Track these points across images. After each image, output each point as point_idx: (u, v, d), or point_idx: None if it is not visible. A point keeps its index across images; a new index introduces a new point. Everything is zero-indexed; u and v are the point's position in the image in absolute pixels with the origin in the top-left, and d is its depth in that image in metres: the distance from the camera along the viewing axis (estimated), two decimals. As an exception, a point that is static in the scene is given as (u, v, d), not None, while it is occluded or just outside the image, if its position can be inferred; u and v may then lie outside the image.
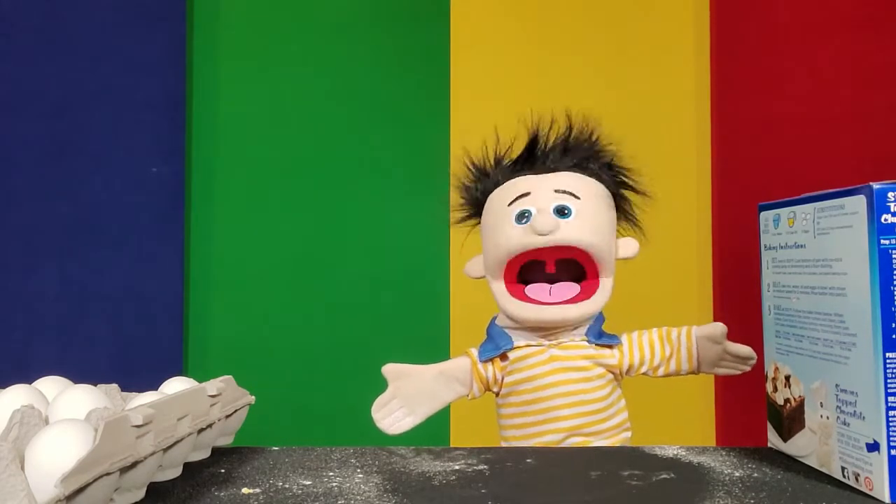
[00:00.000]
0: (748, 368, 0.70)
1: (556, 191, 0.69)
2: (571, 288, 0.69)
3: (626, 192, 0.74)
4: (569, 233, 0.67)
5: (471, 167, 0.76)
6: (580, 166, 0.72)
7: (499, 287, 0.71)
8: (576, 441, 0.68)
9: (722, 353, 0.69)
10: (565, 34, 1.41)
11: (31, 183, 1.28)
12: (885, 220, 0.42)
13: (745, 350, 0.69)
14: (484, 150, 0.75)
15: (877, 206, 0.42)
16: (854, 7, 1.21)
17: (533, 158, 0.73)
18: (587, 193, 0.70)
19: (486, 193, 0.74)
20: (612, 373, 0.70)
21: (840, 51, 1.22)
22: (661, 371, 0.71)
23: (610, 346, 0.70)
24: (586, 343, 0.70)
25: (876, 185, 0.43)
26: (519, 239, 0.68)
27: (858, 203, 0.44)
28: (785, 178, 1.23)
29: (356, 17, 1.41)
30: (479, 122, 0.74)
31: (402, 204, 1.39)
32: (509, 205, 0.70)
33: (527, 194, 0.70)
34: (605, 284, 0.70)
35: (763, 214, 0.56)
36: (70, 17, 1.31)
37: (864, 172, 0.50)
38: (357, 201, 1.39)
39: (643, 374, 0.72)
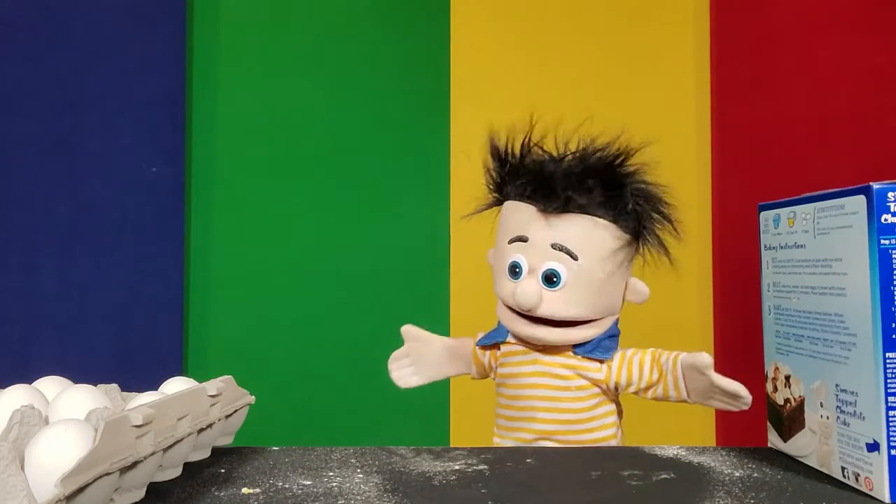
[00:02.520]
0: (744, 407, 0.62)
1: (553, 246, 0.66)
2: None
3: (653, 228, 0.69)
4: (550, 309, 0.66)
5: (497, 155, 0.71)
6: (590, 208, 0.66)
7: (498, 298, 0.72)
8: (547, 445, 0.67)
9: (710, 385, 0.63)
10: (565, 35, 1.41)
11: (31, 183, 1.28)
12: (885, 220, 0.42)
13: (732, 386, 0.62)
14: (511, 139, 0.70)
15: (877, 206, 0.42)
16: (854, 7, 1.21)
17: (538, 193, 0.67)
18: (588, 251, 0.66)
19: (504, 194, 0.71)
20: (599, 387, 0.68)
21: (840, 51, 1.22)
22: (649, 394, 0.68)
23: (600, 361, 0.68)
24: (572, 353, 0.68)
25: (876, 185, 0.43)
26: (509, 297, 0.68)
27: (858, 203, 0.44)
28: (785, 178, 1.23)
29: (356, 17, 1.41)
30: (479, 123, 0.73)
31: (402, 204, 1.39)
32: (509, 242, 0.69)
33: (525, 240, 0.67)
34: (601, 322, 0.68)
35: (763, 214, 0.56)
36: (70, 17, 1.31)
37: (864, 172, 0.50)
38: (357, 201, 1.39)
39: (632, 393, 0.69)
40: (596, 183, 0.66)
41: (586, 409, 0.68)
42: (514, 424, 0.69)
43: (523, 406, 0.69)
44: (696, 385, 0.65)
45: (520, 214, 0.69)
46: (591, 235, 0.66)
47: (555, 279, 0.66)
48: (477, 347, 0.74)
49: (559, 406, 0.67)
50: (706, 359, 0.63)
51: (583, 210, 0.66)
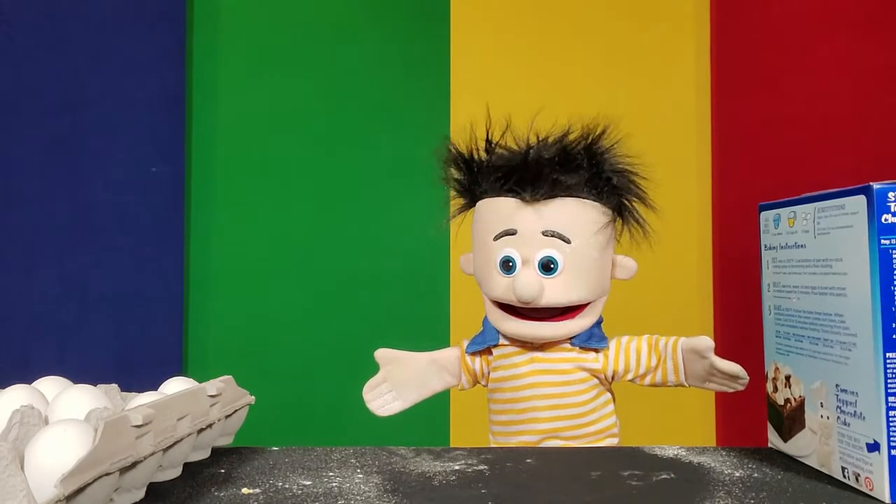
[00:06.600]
0: (740, 387, 0.64)
1: (544, 233, 0.65)
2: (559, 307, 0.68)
3: (631, 202, 0.69)
4: (552, 297, 0.65)
5: (457, 159, 0.72)
6: (576, 189, 0.66)
7: (486, 299, 0.71)
8: (553, 444, 0.67)
9: (709, 367, 0.64)
10: (565, 35, 1.41)
11: (31, 183, 1.28)
12: (886, 220, 0.42)
13: (732, 368, 0.63)
14: (472, 140, 0.71)
15: (877, 206, 0.42)
16: (854, 7, 1.21)
17: (524, 182, 0.66)
18: (579, 231, 0.66)
19: (475, 194, 0.71)
20: (597, 377, 0.68)
21: (840, 51, 1.22)
22: (647, 380, 0.69)
23: (596, 350, 0.68)
24: (570, 346, 0.68)
25: (876, 185, 0.43)
26: (504, 292, 0.67)
27: (859, 203, 0.44)
28: (785, 178, 1.23)
29: (356, 17, 1.41)
30: (478, 123, 0.73)
31: (401, 203, 1.39)
32: (495, 239, 0.67)
33: (513, 233, 0.66)
34: (595, 306, 0.68)
35: (763, 214, 0.56)
36: (70, 17, 1.31)
37: (864, 172, 0.50)
38: (357, 201, 1.39)
39: (629, 381, 0.69)
40: (578, 162, 0.66)
41: (588, 402, 0.67)
42: (514, 428, 0.68)
43: (523, 408, 0.68)
44: (696, 368, 0.66)
45: (500, 209, 0.68)
46: (579, 216, 0.66)
47: (552, 266, 0.65)
48: (466, 355, 0.71)
49: (561, 402, 0.67)
50: (707, 342, 0.64)
51: (569, 192, 0.66)
